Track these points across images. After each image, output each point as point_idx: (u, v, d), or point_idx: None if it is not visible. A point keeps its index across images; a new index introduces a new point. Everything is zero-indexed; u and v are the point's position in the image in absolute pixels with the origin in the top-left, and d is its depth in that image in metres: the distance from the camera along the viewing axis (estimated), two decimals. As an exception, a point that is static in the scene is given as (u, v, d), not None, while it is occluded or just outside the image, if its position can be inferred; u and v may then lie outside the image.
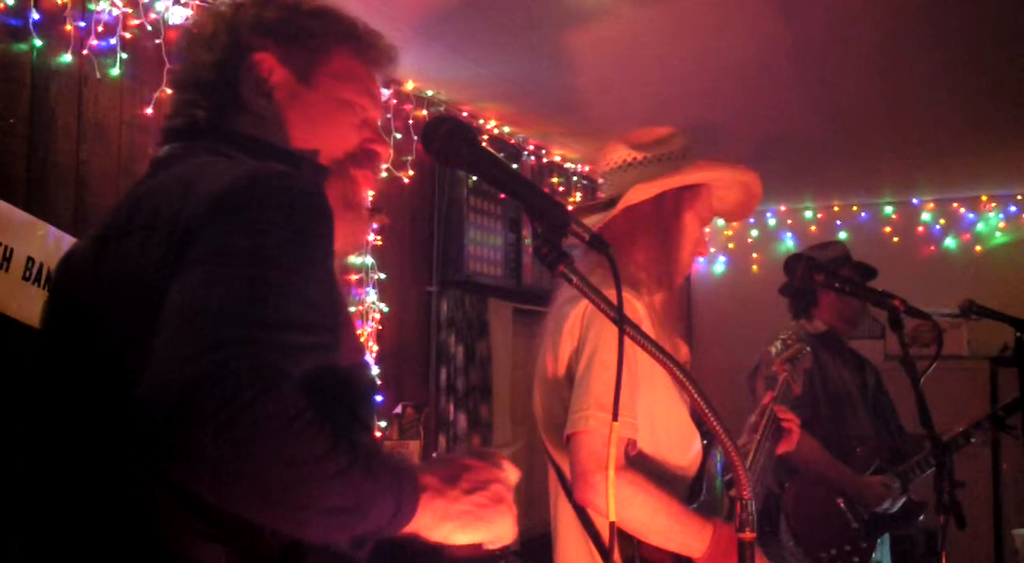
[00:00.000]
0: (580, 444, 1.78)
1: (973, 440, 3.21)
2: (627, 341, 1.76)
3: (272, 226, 0.99)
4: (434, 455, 1.21)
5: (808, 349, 2.49)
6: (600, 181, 2.11)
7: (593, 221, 2.02)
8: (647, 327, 1.86)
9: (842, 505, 3.19)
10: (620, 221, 1.95)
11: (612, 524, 1.13)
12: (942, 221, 6.26)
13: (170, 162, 1.20)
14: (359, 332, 3.83)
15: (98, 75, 2.82)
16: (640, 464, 1.86)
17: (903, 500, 3.20)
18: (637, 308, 1.86)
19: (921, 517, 3.28)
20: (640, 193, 1.94)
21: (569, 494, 1.93)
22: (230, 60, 1.24)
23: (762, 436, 2.18)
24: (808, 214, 6.59)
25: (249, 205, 1.01)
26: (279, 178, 1.05)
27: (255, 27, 1.25)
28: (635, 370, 1.81)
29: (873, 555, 3.19)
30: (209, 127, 1.23)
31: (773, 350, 2.49)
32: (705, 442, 2.01)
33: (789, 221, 6.62)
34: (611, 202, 2.01)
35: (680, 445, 1.96)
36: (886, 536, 3.28)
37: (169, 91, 1.31)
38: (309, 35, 1.27)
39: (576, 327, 1.88)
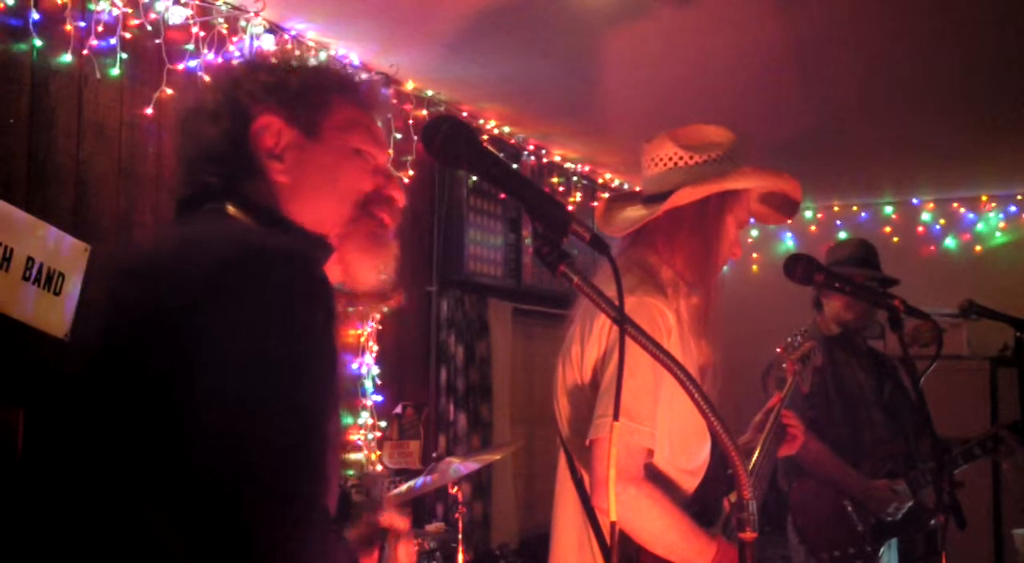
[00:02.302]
0: (603, 452, 1.79)
1: (1002, 446, 3.20)
2: (664, 345, 1.76)
3: (275, 324, 1.03)
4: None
5: (819, 347, 2.49)
6: (644, 173, 2.10)
7: (633, 217, 2.03)
8: (675, 335, 1.87)
9: (849, 508, 3.18)
10: (662, 221, 1.96)
11: (613, 524, 1.13)
12: (942, 221, 6.26)
13: (188, 220, 1.25)
14: (359, 338, 3.83)
15: (98, 75, 2.83)
16: (650, 470, 1.87)
17: (908, 507, 3.19)
18: (668, 317, 1.86)
19: (932, 522, 3.25)
20: (686, 196, 1.94)
21: (580, 489, 1.93)
22: (236, 128, 1.26)
23: (767, 437, 2.18)
24: (808, 214, 6.60)
25: (247, 296, 1.03)
26: (270, 259, 1.06)
27: (255, 92, 1.27)
28: (659, 377, 1.81)
29: (880, 558, 3.18)
30: (222, 191, 1.24)
31: (786, 345, 2.49)
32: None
33: (789, 221, 6.61)
34: (651, 199, 2.01)
35: (694, 450, 1.96)
36: (894, 540, 3.26)
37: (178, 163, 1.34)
38: (309, 91, 1.29)
39: (607, 328, 1.89)
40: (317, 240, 1.25)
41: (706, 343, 1.99)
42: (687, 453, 1.95)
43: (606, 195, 4.57)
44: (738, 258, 2.12)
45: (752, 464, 2.11)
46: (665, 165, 2.03)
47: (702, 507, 1.94)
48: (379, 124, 1.37)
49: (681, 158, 2.02)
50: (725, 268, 2.21)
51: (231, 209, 1.22)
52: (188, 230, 1.19)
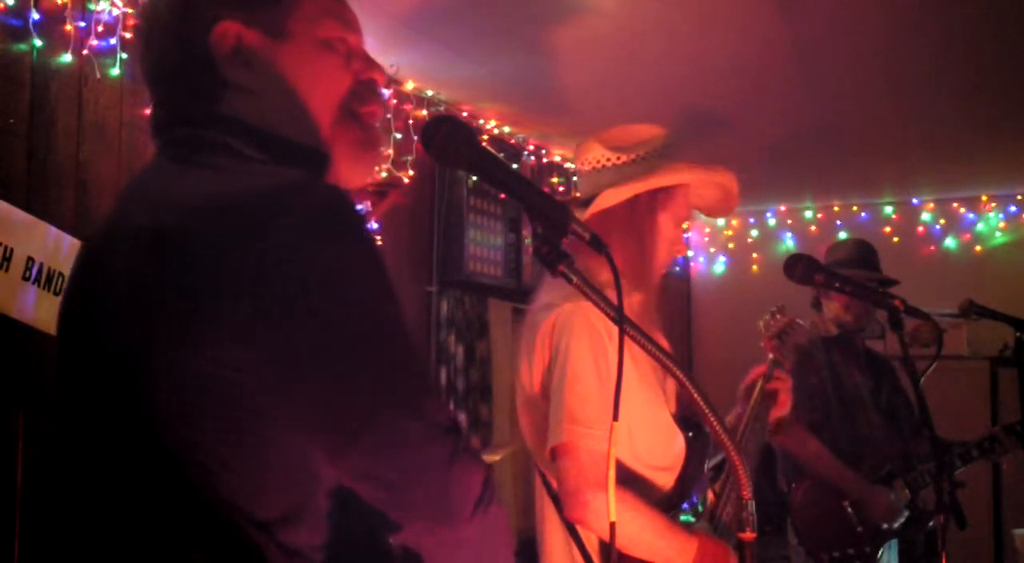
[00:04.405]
0: (562, 461, 1.79)
1: (998, 446, 3.19)
2: (599, 349, 1.76)
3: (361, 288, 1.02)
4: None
5: (799, 321, 2.47)
6: (575, 179, 2.11)
7: None
8: (616, 336, 1.85)
9: (848, 509, 3.18)
10: (593, 223, 1.90)
11: (612, 524, 1.13)
12: (942, 221, 6.25)
13: (173, 155, 1.16)
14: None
15: (98, 75, 2.82)
16: (621, 471, 1.86)
17: (906, 515, 3.18)
18: (606, 320, 1.85)
19: (931, 524, 3.25)
20: (610, 198, 1.93)
21: (555, 500, 1.93)
22: (195, 39, 1.15)
23: (750, 415, 2.17)
24: (808, 214, 6.59)
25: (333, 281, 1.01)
26: (332, 215, 1.04)
27: None
28: (608, 379, 1.80)
29: (880, 558, 3.18)
30: (198, 114, 1.15)
31: (761, 325, 2.48)
32: (691, 434, 2.00)
33: (789, 221, 6.61)
34: (586, 203, 2.00)
35: (662, 446, 1.95)
36: (894, 541, 3.26)
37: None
38: None
39: (547, 338, 1.88)
40: (318, 157, 1.16)
41: (661, 336, 1.98)
42: (655, 449, 1.93)
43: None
44: (683, 255, 2.09)
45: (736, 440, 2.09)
46: (592, 167, 2.03)
47: (683, 501, 1.94)
48: (347, 4, 1.24)
49: (608, 159, 2.01)
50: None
51: (227, 140, 1.12)
52: (210, 181, 1.09)
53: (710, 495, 2.05)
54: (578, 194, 2.11)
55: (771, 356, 2.33)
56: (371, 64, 1.24)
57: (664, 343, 1.98)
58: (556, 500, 1.93)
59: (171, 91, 1.18)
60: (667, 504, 1.90)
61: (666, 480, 1.95)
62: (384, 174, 4.00)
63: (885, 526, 3.16)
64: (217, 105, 1.15)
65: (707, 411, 1.11)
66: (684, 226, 2.09)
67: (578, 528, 1.89)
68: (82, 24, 2.79)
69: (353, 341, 1.00)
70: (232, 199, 1.04)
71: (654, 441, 1.93)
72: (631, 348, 1.84)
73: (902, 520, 3.17)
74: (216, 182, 1.09)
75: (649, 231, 1.97)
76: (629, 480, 1.86)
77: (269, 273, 0.97)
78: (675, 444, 1.97)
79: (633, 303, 1.94)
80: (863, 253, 3.53)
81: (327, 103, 1.18)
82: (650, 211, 1.97)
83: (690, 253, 6.55)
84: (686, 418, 2.01)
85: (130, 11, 2.90)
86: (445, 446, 1.04)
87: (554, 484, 1.93)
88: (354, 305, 1.00)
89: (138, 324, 1.04)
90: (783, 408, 2.21)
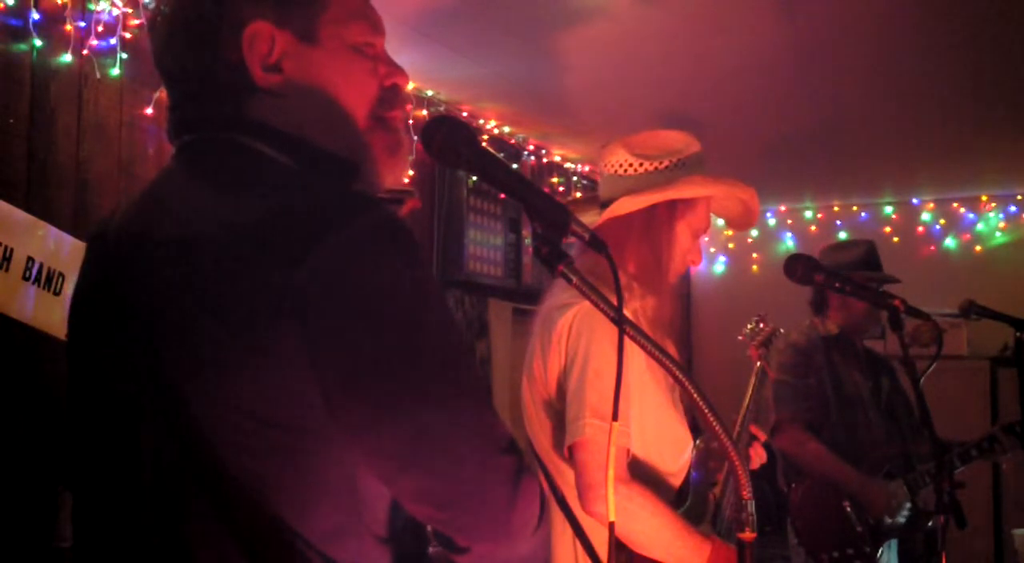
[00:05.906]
0: (584, 455, 1.78)
1: (998, 446, 3.19)
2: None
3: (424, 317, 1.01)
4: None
5: (781, 330, 2.48)
6: (598, 179, 2.11)
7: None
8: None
9: (848, 508, 3.18)
10: (609, 227, 1.93)
11: (612, 524, 1.13)
12: (942, 221, 6.25)
13: (198, 161, 1.12)
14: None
15: (98, 75, 2.83)
16: (639, 470, 1.86)
17: (907, 512, 3.18)
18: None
19: (930, 523, 3.25)
20: (627, 205, 1.92)
21: (560, 502, 1.92)
22: (223, 39, 1.09)
23: (744, 416, 2.18)
24: (808, 214, 6.59)
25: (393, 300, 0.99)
26: (394, 250, 1.00)
27: None
28: (627, 378, 1.80)
29: (879, 558, 3.18)
30: (225, 117, 1.11)
31: (747, 333, 2.48)
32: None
33: (789, 221, 6.61)
34: (604, 205, 2.00)
35: (672, 451, 1.95)
36: (893, 541, 3.26)
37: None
38: None
39: (564, 337, 1.87)
40: (350, 165, 1.14)
41: (669, 343, 1.98)
42: (665, 453, 1.93)
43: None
44: (697, 266, 2.09)
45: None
46: (615, 171, 2.02)
47: (683, 505, 1.94)
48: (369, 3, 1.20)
49: (631, 165, 2.00)
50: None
51: (257, 145, 1.09)
52: (247, 194, 1.05)
53: (710, 497, 2.05)
54: (578, 193, 2.11)
55: (759, 364, 2.34)
56: (395, 68, 1.21)
57: (672, 350, 1.97)
58: (561, 501, 1.93)
59: (194, 92, 1.13)
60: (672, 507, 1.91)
61: (673, 484, 1.96)
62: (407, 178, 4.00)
63: (888, 520, 3.16)
64: (245, 109, 1.11)
65: (707, 411, 1.11)
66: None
67: (586, 527, 1.89)
68: (82, 24, 2.79)
69: (406, 363, 0.98)
70: (276, 215, 1.00)
71: (664, 446, 1.93)
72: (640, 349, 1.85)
73: (905, 513, 3.17)
74: (256, 195, 1.04)
75: (666, 240, 1.97)
76: (645, 480, 1.86)
77: (320, 295, 0.95)
78: (683, 456, 1.98)
79: (647, 308, 1.94)
80: (868, 255, 3.52)
81: (358, 111, 1.15)
82: (668, 221, 1.97)
83: None
84: (695, 430, 2.02)
85: (130, 11, 2.90)
86: (509, 464, 1.02)
87: (559, 484, 1.93)
88: (406, 327, 0.99)
89: (181, 347, 1.01)
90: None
